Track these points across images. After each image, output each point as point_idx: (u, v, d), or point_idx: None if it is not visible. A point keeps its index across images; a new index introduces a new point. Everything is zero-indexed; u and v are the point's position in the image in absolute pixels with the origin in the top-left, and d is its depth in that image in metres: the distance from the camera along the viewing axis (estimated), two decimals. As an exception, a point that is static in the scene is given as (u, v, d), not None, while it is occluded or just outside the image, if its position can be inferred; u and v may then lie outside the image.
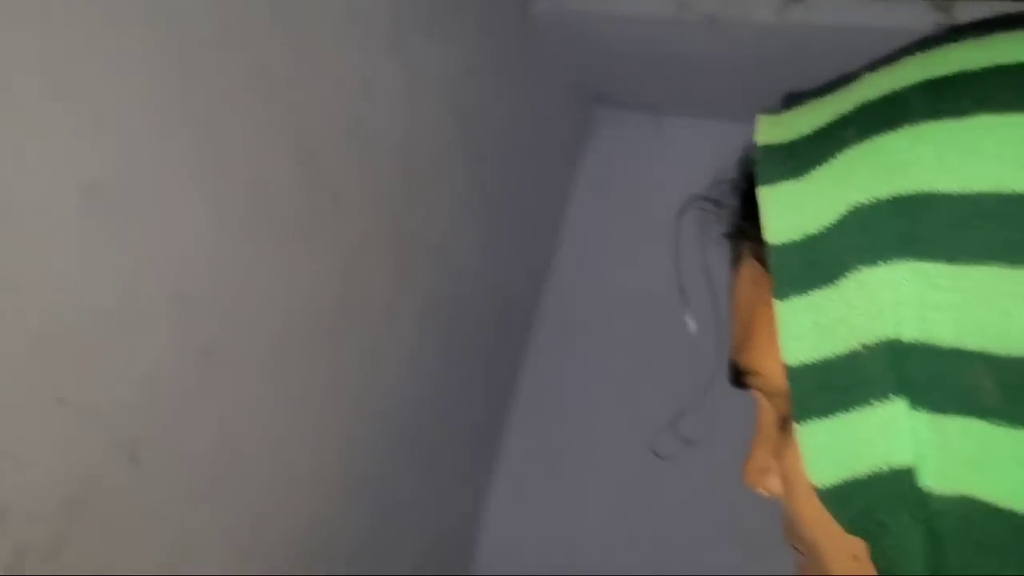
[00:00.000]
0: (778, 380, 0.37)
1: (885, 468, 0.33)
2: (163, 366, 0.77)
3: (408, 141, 1.06)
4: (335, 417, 1.05)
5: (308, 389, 0.98)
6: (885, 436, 0.33)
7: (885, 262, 0.33)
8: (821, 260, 0.35)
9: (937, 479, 0.32)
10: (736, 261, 0.42)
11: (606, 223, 1.61)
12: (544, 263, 1.61)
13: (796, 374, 0.35)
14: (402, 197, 1.08)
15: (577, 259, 1.64)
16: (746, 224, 0.40)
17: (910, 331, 0.32)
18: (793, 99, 0.42)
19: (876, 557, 0.35)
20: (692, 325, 0.49)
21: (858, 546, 0.36)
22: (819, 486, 0.35)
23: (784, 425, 0.39)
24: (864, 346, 0.33)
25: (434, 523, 1.39)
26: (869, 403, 0.33)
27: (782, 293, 0.36)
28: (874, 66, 0.38)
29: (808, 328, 0.35)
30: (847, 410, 0.34)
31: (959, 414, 0.31)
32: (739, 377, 0.41)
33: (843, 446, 0.34)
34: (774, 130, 0.40)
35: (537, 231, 1.57)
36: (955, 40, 0.35)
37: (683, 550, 1.52)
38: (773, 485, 0.41)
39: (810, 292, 0.35)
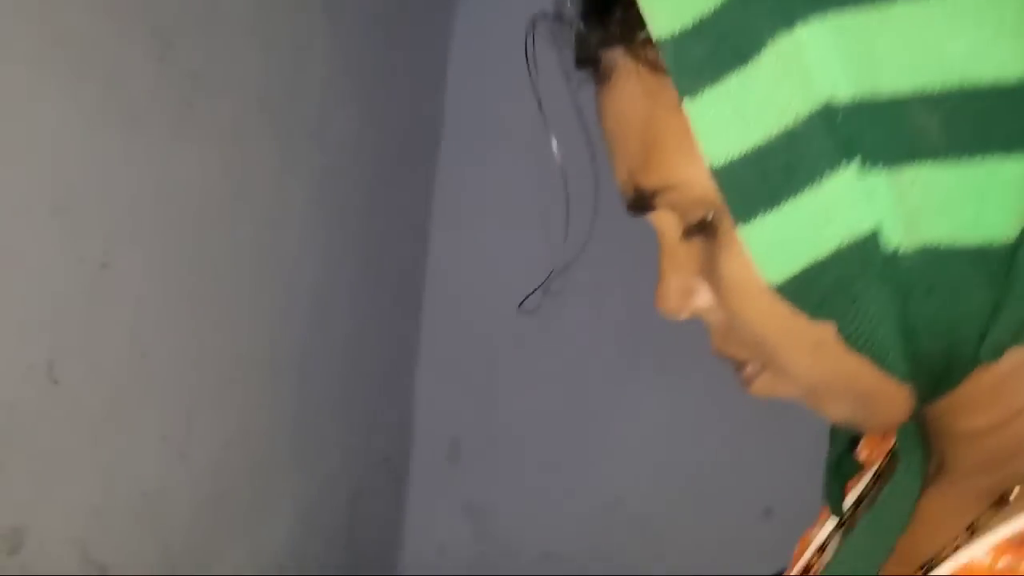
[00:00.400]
0: (698, 188, 0.33)
1: (847, 240, 0.31)
2: (62, 283, 0.75)
3: (268, 17, 1.01)
4: (243, 305, 1.04)
5: (210, 281, 0.97)
6: (841, 207, 0.31)
7: (803, 22, 0.30)
8: (727, 40, 0.31)
9: (900, 235, 0.31)
10: (604, 78, 0.36)
11: (491, 60, 1.61)
12: (436, 111, 1.60)
13: (726, 173, 0.32)
14: (267, 77, 1.04)
15: (468, 101, 1.63)
16: (613, 29, 0.35)
17: (844, 89, 0.30)
18: None
19: (847, 332, 0.33)
20: (556, 153, 0.43)
21: (823, 331, 0.33)
22: (777, 281, 0.33)
23: (706, 235, 0.35)
24: (797, 120, 0.30)
25: (367, 393, 1.42)
26: (817, 179, 0.31)
27: (691, 89, 0.31)
28: None
29: (730, 119, 0.31)
30: (794, 194, 0.31)
31: (910, 162, 0.30)
32: (643, 201, 0.36)
33: (797, 233, 0.32)
34: None
35: (423, 80, 1.54)
36: None
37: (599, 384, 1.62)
38: (699, 303, 0.37)
39: (723, 79, 0.31)
